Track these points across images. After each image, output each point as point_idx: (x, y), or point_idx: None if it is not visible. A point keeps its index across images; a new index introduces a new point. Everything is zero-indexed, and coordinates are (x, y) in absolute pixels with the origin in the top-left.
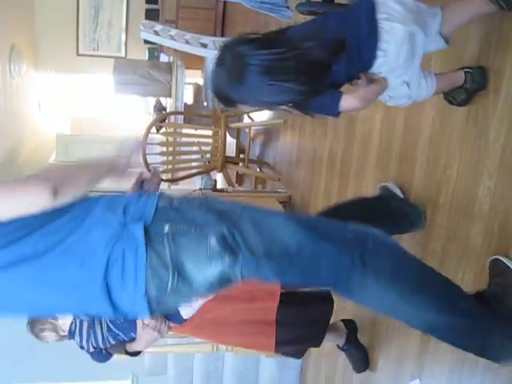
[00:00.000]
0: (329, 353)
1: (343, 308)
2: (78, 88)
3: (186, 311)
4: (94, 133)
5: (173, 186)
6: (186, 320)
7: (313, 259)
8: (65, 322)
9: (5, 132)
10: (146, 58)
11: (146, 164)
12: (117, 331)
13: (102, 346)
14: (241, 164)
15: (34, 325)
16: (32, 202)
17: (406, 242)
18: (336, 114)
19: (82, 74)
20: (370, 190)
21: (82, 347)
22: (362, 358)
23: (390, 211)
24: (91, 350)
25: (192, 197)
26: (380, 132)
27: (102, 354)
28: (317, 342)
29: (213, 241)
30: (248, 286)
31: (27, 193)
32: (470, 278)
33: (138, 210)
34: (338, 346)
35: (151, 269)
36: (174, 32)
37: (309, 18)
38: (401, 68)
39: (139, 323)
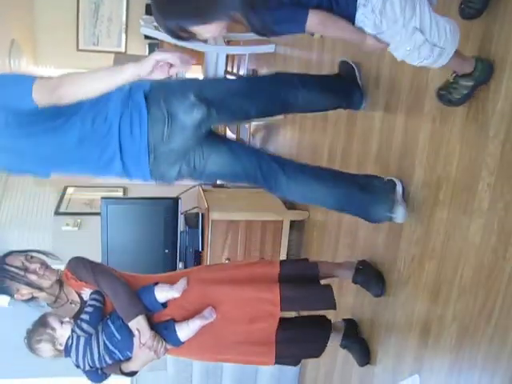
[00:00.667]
0: (327, 349)
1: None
2: None
3: (183, 333)
4: None
5: None
6: (183, 343)
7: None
8: (63, 333)
9: None
10: (146, 53)
11: None
12: (113, 349)
13: (97, 364)
14: None
15: (32, 336)
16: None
17: (407, 236)
18: (301, 30)
19: (81, 69)
20: None
21: (77, 366)
22: (362, 352)
23: (338, 88)
24: (87, 368)
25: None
26: (380, 128)
27: (97, 374)
28: (316, 356)
29: (192, 97)
30: (247, 308)
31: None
32: (468, 274)
33: (139, 86)
34: (340, 345)
35: (151, 121)
36: None
37: None
38: (401, 17)
39: (136, 342)
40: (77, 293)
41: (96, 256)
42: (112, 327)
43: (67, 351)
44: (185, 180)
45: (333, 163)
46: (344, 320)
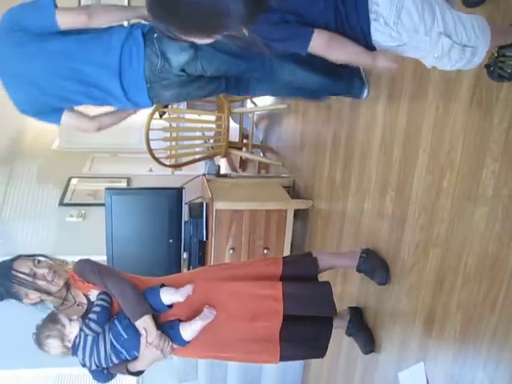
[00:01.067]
0: (332, 340)
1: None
2: None
3: (187, 333)
4: None
5: (176, 172)
6: (188, 342)
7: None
8: (72, 330)
9: (8, 119)
10: None
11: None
12: (120, 348)
13: (104, 364)
14: (244, 149)
15: (42, 331)
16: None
17: (411, 224)
18: (303, 50)
19: None
20: (373, 174)
21: (84, 365)
22: (366, 340)
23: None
24: (93, 367)
25: None
26: (383, 116)
27: (103, 374)
28: (320, 357)
29: None
30: (250, 305)
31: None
32: (473, 262)
33: (139, 26)
34: (346, 333)
35: (147, 55)
36: None
37: None
38: (422, 25)
39: (143, 341)
40: (84, 294)
41: (100, 247)
42: (119, 326)
43: (74, 349)
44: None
45: (337, 152)
46: (350, 308)
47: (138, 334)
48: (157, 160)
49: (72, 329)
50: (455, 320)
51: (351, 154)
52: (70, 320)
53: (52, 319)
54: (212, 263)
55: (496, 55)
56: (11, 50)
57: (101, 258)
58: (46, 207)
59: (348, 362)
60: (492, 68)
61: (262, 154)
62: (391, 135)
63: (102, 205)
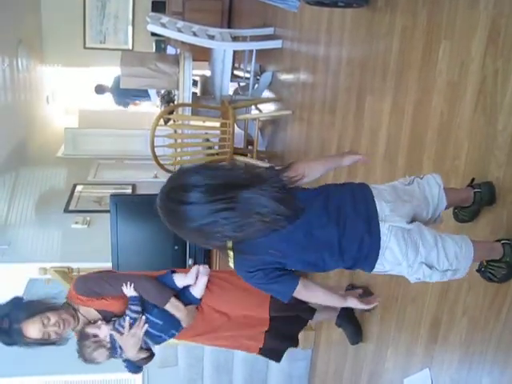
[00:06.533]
0: (338, 343)
1: None
2: (85, 81)
3: (197, 292)
4: (101, 126)
5: None
6: (200, 299)
7: None
8: (105, 333)
9: (13, 126)
10: (153, 50)
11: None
12: (158, 333)
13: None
14: (249, 155)
15: (83, 352)
16: None
17: None
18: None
19: (89, 67)
20: (378, 181)
21: (123, 360)
22: (354, 331)
23: None
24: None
25: None
26: (388, 123)
27: (134, 365)
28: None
29: None
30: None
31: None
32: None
33: None
34: (336, 324)
35: None
36: (180, 24)
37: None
38: (404, 260)
39: (179, 315)
40: (96, 310)
41: (106, 253)
42: (151, 318)
43: (114, 350)
44: None
45: None
46: None
47: (170, 315)
48: (162, 166)
49: (104, 331)
50: (460, 326)
51: None
52: (98, 327)
53: (83, 337)
54: (218, 269)
55: (485, 264)
56: None
57: (106, 264)
58: (51, 214)
59: (354, 369)
60: (483, 270)
61: (266, 160)
62: (396, 142)
63: (107, 211)
